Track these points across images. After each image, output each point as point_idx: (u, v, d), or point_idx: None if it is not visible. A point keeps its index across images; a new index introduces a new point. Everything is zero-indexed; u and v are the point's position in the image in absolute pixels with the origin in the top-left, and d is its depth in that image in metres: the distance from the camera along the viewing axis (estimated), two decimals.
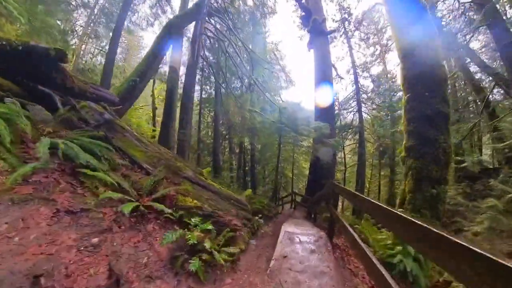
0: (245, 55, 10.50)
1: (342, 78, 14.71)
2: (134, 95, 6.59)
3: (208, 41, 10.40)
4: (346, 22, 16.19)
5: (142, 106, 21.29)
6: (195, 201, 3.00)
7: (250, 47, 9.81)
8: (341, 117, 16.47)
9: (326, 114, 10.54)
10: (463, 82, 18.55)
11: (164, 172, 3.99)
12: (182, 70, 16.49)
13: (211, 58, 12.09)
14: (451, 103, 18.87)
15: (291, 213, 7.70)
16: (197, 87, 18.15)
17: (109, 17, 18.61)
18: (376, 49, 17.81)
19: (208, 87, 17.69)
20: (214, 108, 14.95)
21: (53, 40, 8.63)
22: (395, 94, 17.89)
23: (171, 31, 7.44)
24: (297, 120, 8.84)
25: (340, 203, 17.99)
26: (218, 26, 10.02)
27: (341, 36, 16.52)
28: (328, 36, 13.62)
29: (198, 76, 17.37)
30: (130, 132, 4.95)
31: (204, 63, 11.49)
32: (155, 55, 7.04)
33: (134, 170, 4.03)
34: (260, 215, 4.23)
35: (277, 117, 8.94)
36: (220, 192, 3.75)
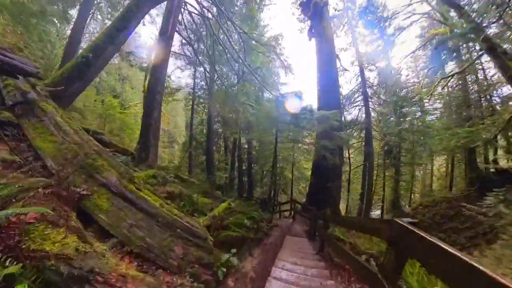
0: (236, 47, 8.79)
1: (346, 69, 13.01)
2: (86, 76, 4.97)
3: (192, 21, 8.77)
4: (349, 11, 14.43)
5: (137, 103, 19.82)
6: (67, 241, 1.34)
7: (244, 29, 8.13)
8: (345, 113, 14.67)
9: (331, 106, 8.79)
10: (474, 77, 16.68)
11: (77, 175, 2.35)
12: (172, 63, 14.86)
13: (197, 44, 10.44)
14: (458, 99, 16.71)
15: (289, 226, 6.00)
16: (189, 80, 16.59)
17: (103, 11, 17.18)
18: (380, 44, 15.99)
19: (203, 83, 16.09)
20: (208, 104, 13.31)
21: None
22: (400, 90, 16.02)
23: (141, 1, 5.82)
24: (297, 111, 7.11)
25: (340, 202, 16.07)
26: (205, 3, 8.41)
27: (344, 26, 14.76)
28: (331, 23, 11.87)
29: (191, 70, 15.80)
30: (51, 116, 3.34)
31: (187, 46, 9.83)
32: (118, 28, 5.43)
33: (24, 169, 2.41)
34: (234, 251, 2.54)
35: (273, 108, 7.24)
36: (158, 213, 2.08)
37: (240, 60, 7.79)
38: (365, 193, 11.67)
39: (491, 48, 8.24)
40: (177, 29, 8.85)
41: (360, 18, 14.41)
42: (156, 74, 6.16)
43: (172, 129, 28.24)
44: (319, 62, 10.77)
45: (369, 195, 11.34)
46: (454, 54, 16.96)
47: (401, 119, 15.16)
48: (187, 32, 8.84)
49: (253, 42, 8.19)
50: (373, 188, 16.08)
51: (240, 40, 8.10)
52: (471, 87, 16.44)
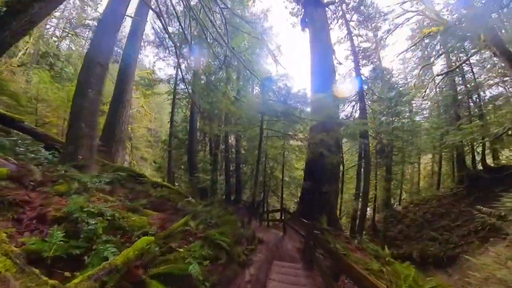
0: (221, 32, 7.17)
1: (340, 63, 12.00)
2: None
3: None
4: (344, 5, 13.43)
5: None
6: None
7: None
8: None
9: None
10: (461, 77, 16.52)
11: None
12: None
13: (168, 18, 8.68)
14: (448, 99, 16.38)
15: (279, 242, 4.55)
16: (173, 72, 14.74)
17: None
18: (372, 44, 15.25)
19: (188, 76, 14.30)
20: (190, 96, 11.59)
21: None
22: (392, 89, 15.37)
23: None
24: (289, 96, 5.68)
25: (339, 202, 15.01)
26: None
27: (338, 20, 13.74)
28: (326, 12, 10.70)
29: (174, 60, 13.97)
30: None
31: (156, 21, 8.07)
32: None
33: None
34: None
35: (258, 95, 5.77)
36: None
37: (223, 42, 6.28)
38: (361, 193, 10.57)
39: (495, 38, 7.45)
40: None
41: (355, 12, 13.49)
42: (98, 40, 4.48)
43: (158, 128, 26.02)
44: (313, 52, 9.58)
45: (366, 196, 10.25)
46: (443, 54, 16.81)
47: (394, 118, 14.48)
48: (159, 7, 7.20)
49: (237, 20, 6.72)
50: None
51: (223, 18, 6.59)
52: (459, 88, 16.24)
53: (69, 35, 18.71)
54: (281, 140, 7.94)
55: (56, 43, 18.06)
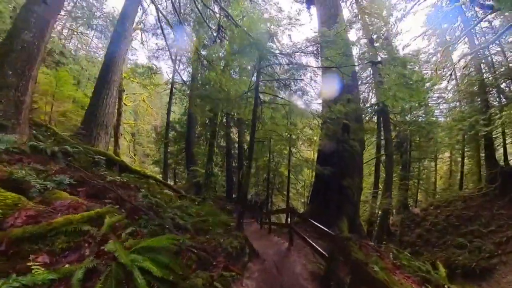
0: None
1: (353, 43, 10.27)
2: None
3: None
4: None
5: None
6: None
7: None
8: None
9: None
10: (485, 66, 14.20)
11: None
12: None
13: None
14: (474, 86, 13.83)
15: (281, 261, 2.68)
16: (169, 62, 13.58)
17: None
18: (385, 29, 13.41)
19: (188, 68, 13.13)
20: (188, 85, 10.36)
21: None
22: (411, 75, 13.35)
23: None
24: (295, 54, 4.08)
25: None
26: None
27: (347, 1, 12.09)
28: None
29: (173, 49, 12.83)
30: None
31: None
32: None
33: None
34: None
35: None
36: None
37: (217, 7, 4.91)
38: (380, 192, 8.64)
39: None
40: None
41: None
42: None
43: (163, 126, 25.24)
44: (320, 20, 8.02)
45: (388, 196, 8.30)
46: (465, 38, 14.65)
47: (413, 107, 12.49)
48: None
49: None
50: (380, 186, 13.25)
51: None
52: (487, 74, 13.88)
53: (75, 33, 18.32)
54: (285, 120, 6.16)
55: (61, 40, 17.61)
